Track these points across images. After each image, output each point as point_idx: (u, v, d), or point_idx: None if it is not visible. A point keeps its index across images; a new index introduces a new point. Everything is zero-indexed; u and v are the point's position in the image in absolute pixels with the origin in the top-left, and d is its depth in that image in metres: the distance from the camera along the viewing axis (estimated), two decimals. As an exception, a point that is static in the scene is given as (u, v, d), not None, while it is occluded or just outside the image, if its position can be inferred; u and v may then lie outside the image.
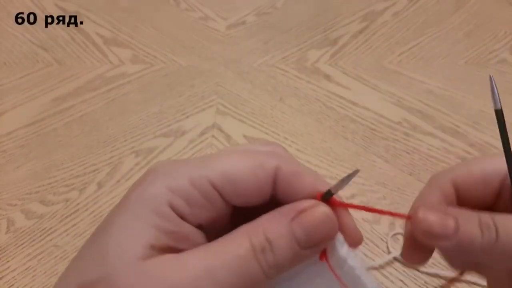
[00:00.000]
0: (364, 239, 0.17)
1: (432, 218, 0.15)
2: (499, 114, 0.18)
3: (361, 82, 0.64)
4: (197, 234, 0.15)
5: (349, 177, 0.14)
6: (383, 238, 0.45)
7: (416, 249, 0.18)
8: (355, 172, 0.15)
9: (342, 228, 0.15)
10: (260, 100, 0.61)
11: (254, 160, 0.15)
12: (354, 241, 0.15)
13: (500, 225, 0.16)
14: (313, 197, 0.14)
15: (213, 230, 0.16)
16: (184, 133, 0.57)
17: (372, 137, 0.56)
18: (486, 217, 0.16)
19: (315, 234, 0.14)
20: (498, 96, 0.17)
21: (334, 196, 0.14)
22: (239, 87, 0.63)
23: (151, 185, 0.15)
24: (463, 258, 0.19)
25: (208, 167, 0.15)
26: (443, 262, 0.42)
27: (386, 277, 0.42)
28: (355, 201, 0.48)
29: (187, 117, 0.59)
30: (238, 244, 0.13)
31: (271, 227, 0.13)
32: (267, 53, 0.70)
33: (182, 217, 0.14)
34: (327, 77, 0.65)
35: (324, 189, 0.15)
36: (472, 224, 0.16)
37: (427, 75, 0.65)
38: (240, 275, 0.13)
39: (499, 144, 0.63)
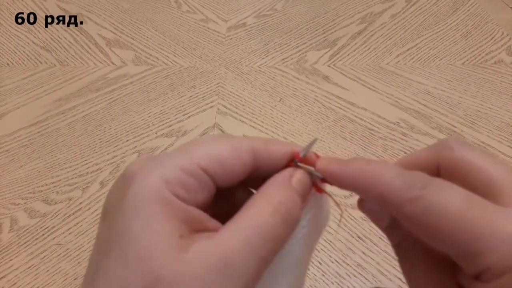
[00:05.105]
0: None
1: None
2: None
3: (359, 83, 0.65)
4: (204, 215, 0.15)
5: (312, 142, 0.18)
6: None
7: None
8: (315, 139, 0.19)
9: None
10: (260, 101, 0.62)
11: (233, 143, 0.16)
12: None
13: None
14: (291, 158, 0.18)
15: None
16: (186, 133, 0.57)
17: (370, 137, 0.57)
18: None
19: (306, 190, 0.17)
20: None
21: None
22: (239, 88, 0.64)
23: (145, 181, 0.14)
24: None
25: (194, 154, 0.16)
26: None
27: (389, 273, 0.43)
28: (353, 200, 0.48)
29: (188, 117, 0.59)
30: (265, 213, 0.15)
31: (280, 194, 0.16)
32: (267, 55, 0.70)
33: (185, 203, 0.15)
34: (326, 78, 0.66)
35: (293, 149, 0.19)
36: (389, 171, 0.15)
37: (424, 76, 0.66)
38: (271, 236, 0.15)
39: (495, 143, 0.63)
